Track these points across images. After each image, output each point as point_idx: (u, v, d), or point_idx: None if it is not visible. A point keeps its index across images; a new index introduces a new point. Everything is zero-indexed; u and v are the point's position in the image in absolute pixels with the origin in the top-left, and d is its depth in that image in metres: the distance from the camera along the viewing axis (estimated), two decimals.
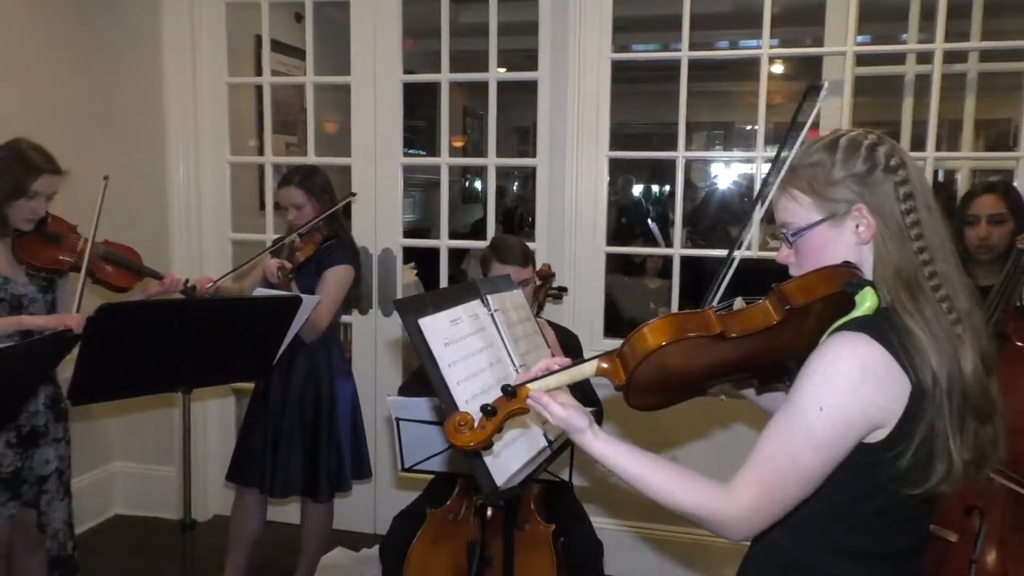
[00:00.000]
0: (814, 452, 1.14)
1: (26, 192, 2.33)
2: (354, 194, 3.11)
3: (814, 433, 1.14)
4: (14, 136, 2.47)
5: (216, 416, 3.82)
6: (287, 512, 3.50)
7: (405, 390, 2.67)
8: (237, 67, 3.81)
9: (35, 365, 1.83)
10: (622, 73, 3.29)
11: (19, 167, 2.33)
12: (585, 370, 1.20)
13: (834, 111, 3.10)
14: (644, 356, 1.14)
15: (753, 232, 3.07)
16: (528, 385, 1.17)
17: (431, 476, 2.54)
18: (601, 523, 2.97)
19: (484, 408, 1.12)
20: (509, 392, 1.14)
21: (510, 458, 1.47)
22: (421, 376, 2.76)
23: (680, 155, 3.31)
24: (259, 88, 3.99)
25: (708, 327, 1.15)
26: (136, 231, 2.75)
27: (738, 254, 1.49)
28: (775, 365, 1.35)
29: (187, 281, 2.70)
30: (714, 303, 1.37)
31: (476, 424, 1.11)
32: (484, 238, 3.14)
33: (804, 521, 1.23)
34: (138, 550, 3.52)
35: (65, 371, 2.10)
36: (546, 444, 1.59)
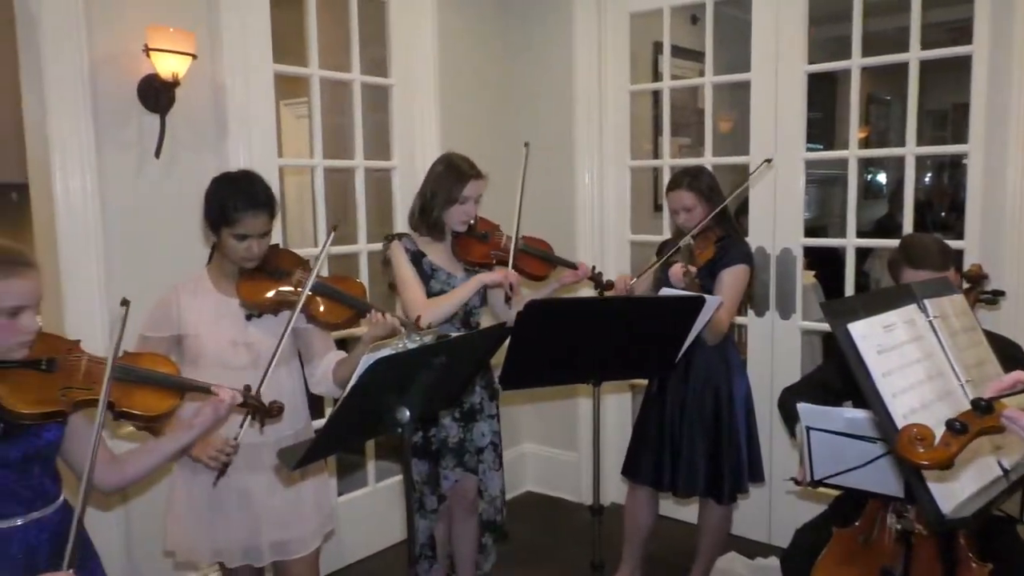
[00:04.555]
0: None
1: (458, 198, 2.69)
2: (768, 160, 3.03)
3: None
4: (452, 147, 2.88)
5: (613, 411, 4.01)
6: (686, 511, 3.55)
7: (796, 395, 2.51)
8: (636, 73, 3.96)
9: (479, 352, 2.11)
10: None
11: (452, 177, 2.69)
12: None
13: None
14: None
15: None
16: (1003, 400, 1.02)
17: (837, 492, 2.38)
18: None
19: (951, 424, 0.99)
20: (983, 407, 1.00)
21: (958, 484, 1.29)
22: (816, 383, 2.60)
23: None
24: (655, 93, 4.10)
25: None
26: (548, 232, 3.00)
27: None
28: None
29: (594, 268, 2.88)
30: None
31: (937, 441, 0.99)
32: (889, 236, 2.84)
33: None
34: (546, 526, 3.85)
35: (495, 358, 2.37)
36: (1001, 473, 1.38)
